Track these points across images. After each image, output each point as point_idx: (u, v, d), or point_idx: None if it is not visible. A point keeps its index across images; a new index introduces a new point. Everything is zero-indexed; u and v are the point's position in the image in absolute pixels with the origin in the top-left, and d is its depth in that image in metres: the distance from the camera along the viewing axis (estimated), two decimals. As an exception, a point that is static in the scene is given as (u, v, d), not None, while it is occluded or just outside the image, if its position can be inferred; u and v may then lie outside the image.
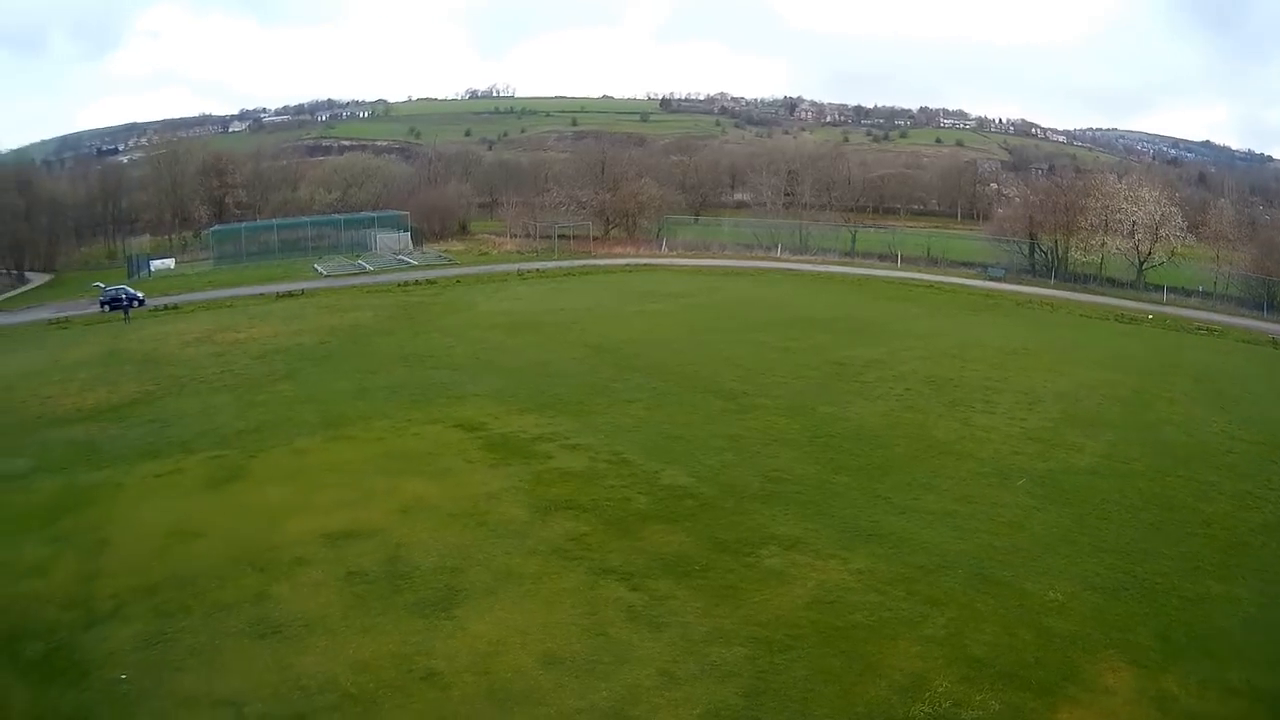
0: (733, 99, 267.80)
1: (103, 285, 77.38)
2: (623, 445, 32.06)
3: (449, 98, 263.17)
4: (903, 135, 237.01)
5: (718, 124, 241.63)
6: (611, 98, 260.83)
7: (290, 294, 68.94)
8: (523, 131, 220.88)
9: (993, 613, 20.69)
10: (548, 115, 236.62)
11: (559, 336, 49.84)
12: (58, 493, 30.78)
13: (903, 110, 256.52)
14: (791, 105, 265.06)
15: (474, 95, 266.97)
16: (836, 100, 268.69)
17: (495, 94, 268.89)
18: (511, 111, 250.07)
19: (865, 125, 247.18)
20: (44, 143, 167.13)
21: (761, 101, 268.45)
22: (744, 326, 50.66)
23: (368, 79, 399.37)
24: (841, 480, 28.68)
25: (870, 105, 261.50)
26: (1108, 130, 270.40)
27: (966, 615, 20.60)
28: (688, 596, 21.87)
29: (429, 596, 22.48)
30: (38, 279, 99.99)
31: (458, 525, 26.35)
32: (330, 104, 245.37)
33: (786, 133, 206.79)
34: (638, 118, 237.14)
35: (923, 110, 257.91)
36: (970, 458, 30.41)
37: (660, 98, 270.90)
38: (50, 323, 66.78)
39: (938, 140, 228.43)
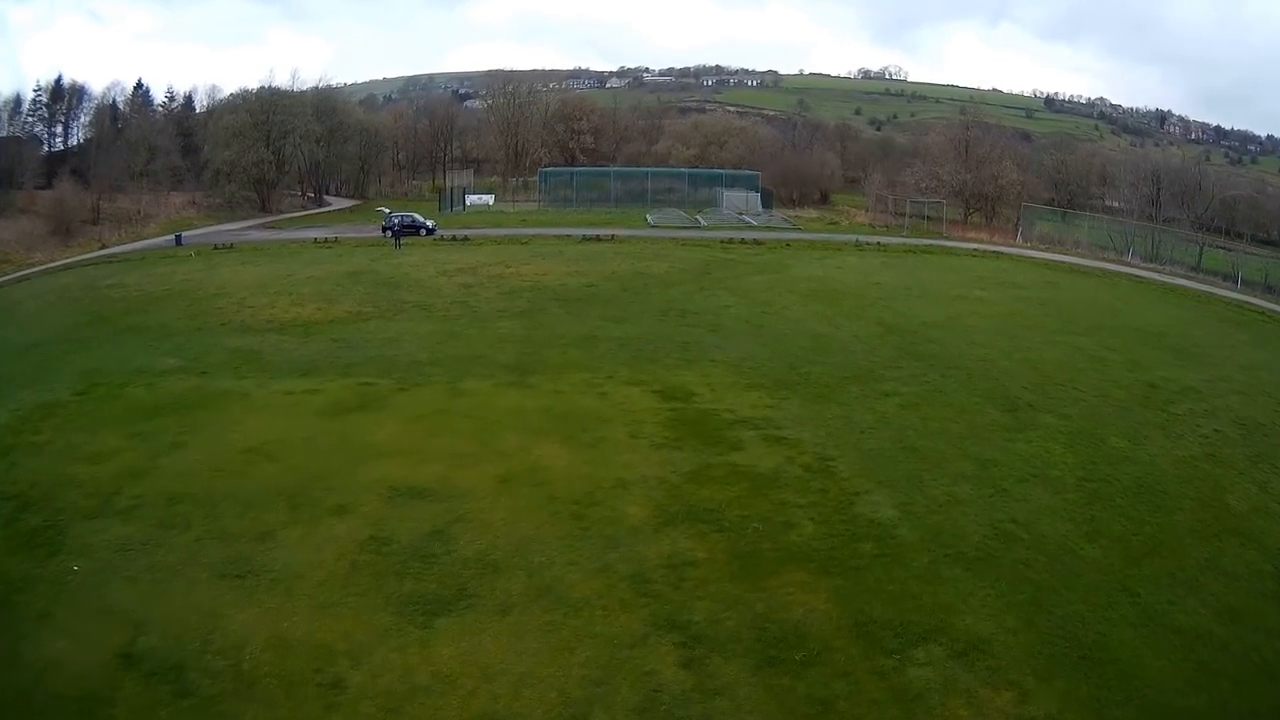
0: (1111, 105, 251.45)
1: (387, 210, 78.27)
2: (840, 449, 24.44)
3: (841, 75, 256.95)
4: (1254, 161, 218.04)
5: (1096, 128, 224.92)
6: (1000, 91, 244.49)
7: (598, 238, 65.57)
8: (912, 116, 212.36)
9: None
10: (937, 102, 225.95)
11: (856, 311, 42.30)
12: (180, 393, 30.43)
13: (1254, 136, 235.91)
14: (1162, 118, 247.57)
15: (866, 75, 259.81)
16: (1200, 118, 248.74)
17: (887, 75, 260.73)
18: (901, 95, 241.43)
19: (1224, 146, 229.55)
20: (386, 80, 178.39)
21: (1136, 111, 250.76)
22: (1065, 327, 40.00)
23: (757, 50, 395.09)
24: (1092, 553, 19.02)
25: (1229, 127, 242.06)
26: None
27: None
28: (752, 702, 14.16)
29: (429, 592, 17.89)
30: (339, 203, 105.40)
31: (548, 511, 21.00)
32: (718, 70, 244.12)
33: (1156, 144, 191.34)
34: (1023, 114, 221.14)
35: (1269, 138, 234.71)
36: (1255, 543, 19.92)
37: (1045, 96, 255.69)
38: (316, 241, 67.28)
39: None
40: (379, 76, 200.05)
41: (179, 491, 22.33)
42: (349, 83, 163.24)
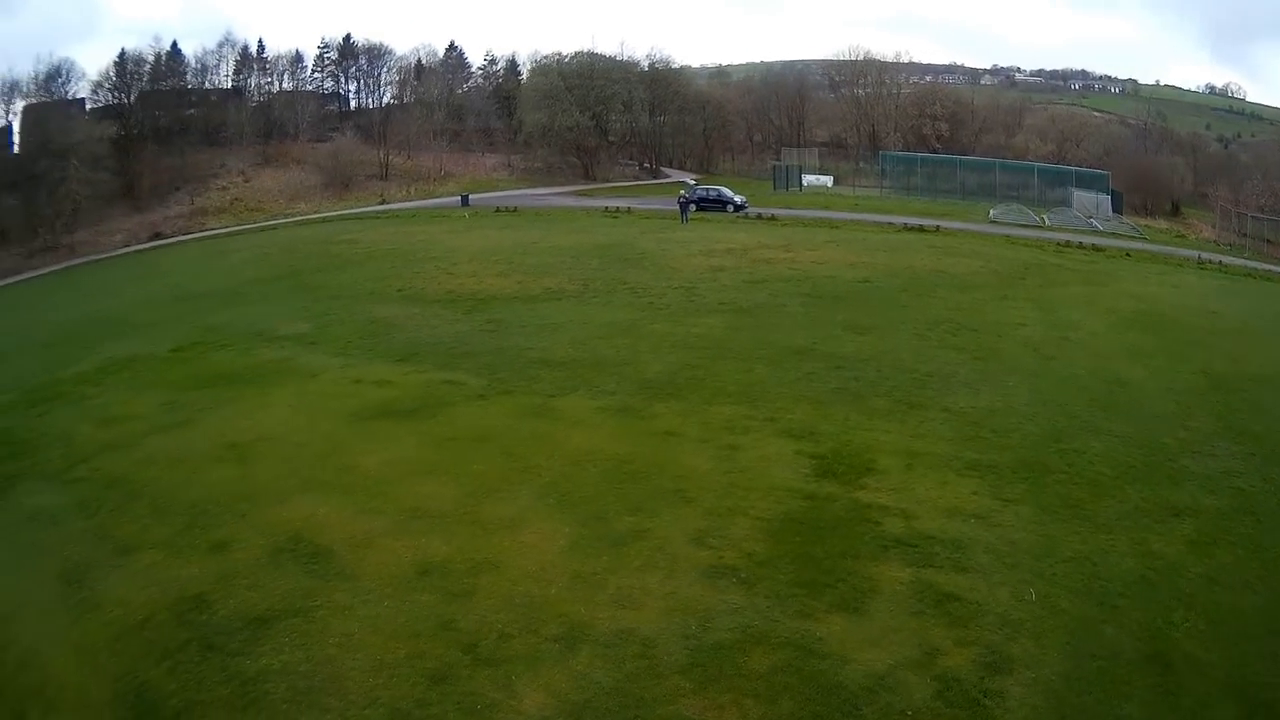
0: None
1: (693, 184, 78.76)
2: (1043, 633, 12.89)
3: (1190, 89, 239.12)
4: None
5: None
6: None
7: (920, 229, 57.82)
8: (1252, 136, 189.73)
9: None
10: (1271, 124, 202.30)
11: (1178, 348, 29.46)
12: (259, 364, 28.59)
13: None
14: None
15: (1211, 90, 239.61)
16: None
17: (1229, 93, 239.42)
18: (1241, 113, 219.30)
19: None
20: (765, 64, 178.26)
21: None
22: None
23: (1117, 59, 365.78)
24: None
25: None
26: None
27: None
28: None
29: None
30: (679, 176, 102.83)
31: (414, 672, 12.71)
32: (1084, 74, 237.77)
33: None
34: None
35: None
36: None
37: None
38: (606, 210, 66.94)
39: None
40: (744, 60, 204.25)
41: (123, 476, 19.94)
42: (726, 64, 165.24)
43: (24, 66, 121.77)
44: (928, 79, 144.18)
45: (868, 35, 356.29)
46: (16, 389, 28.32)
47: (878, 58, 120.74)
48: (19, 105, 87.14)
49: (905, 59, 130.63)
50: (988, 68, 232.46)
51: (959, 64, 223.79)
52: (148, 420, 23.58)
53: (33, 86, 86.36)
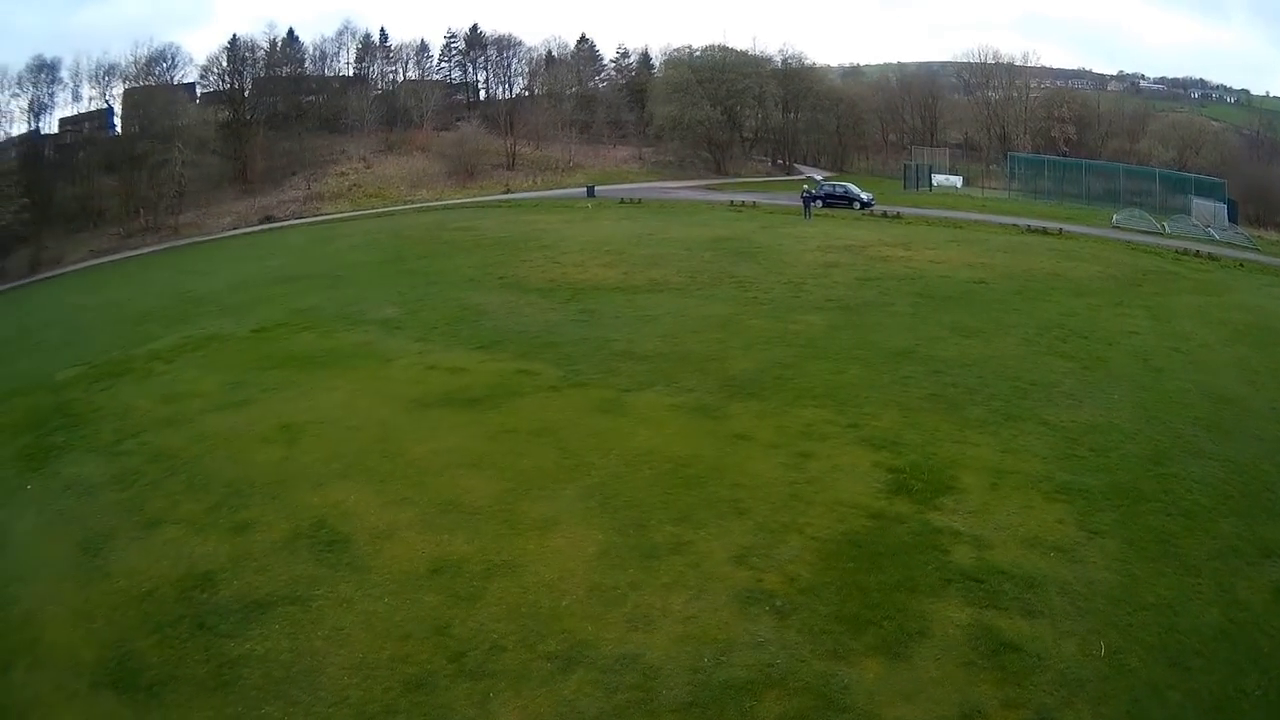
0: None
1: (820, 180, 78.40)
2: (1109, 697, 11.37)
3: None
4: None
5: None
6: None
7: (1044, 231, 56.74)
8: None
9: None
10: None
11: None
12: (335, 347, 28.92)
13: None
14: None
15: None
16: None
17: None
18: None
19: None
20: (900, 64, 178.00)
21: None
22: None
23: (1233, 68, 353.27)
24: None
25: None
26: None
27: None
28: None
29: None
30: (812, 173, 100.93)
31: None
32: (1202, 83, 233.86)
33: None
34: None
35: None
36: None
37: None
38: (731, 204, 66.46)
39: None
40: (879, 60, 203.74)
41: (168, 452, 20.34)
42: (861, 63, 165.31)
43: (121, 50, 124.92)
44: (1057, 83, 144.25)
45: (999, 37, 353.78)
46: (86, 363, 29.32)
47: (1007, 60, 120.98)
48: (119, 88, 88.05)
49: (1034, 62, 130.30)
50: (1114, 74, 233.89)
51: (1087, 69, 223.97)
52: (209, 398, 24.01)
53: (133, 70, 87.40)
